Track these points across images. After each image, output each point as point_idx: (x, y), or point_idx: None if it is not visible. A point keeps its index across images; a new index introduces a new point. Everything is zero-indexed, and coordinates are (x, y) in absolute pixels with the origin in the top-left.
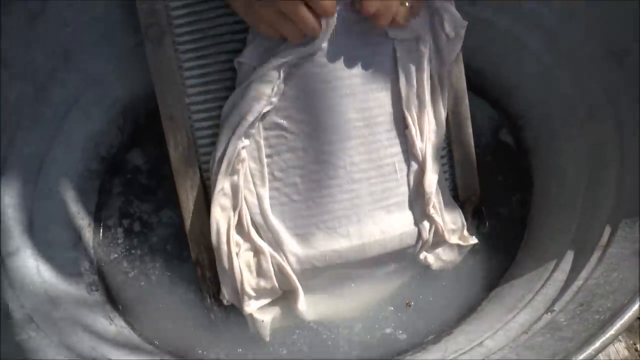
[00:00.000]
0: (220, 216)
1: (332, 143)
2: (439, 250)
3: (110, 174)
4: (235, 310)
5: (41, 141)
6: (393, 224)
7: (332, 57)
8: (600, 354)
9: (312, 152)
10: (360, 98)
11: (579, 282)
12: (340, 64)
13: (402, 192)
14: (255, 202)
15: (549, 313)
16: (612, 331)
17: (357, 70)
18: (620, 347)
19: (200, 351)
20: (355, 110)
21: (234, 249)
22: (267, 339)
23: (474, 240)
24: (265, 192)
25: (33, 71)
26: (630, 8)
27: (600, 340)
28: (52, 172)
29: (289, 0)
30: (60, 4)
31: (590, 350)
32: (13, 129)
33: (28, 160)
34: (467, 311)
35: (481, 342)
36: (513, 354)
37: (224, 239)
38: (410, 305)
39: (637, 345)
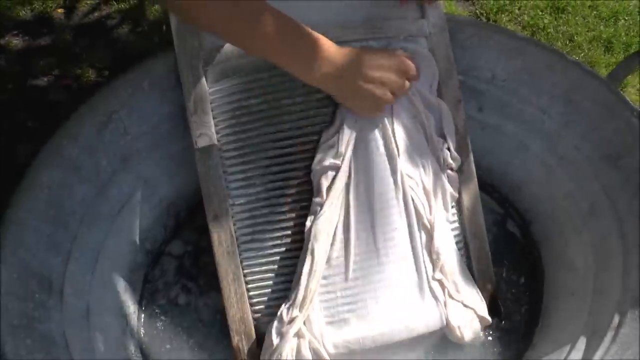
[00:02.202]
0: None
1: (363, 239)
2: (465, 325)
3: (154, 266)
4: None
5: (98, 236)
6: (418, 309)
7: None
8: None
9: (346, 247)
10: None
11: None
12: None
13: (422, 275)
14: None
15: None
16: None
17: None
18: None
19: None
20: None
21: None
22: None
23: (489, 320)
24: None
25: (96, 174)
26: (620, 116)
27: None
28: (105, 264)
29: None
30: (123, 116)
31: None
32: (77, 225)
33: (87, 253)
34: None
35: None
36: None
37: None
38: None
39: None
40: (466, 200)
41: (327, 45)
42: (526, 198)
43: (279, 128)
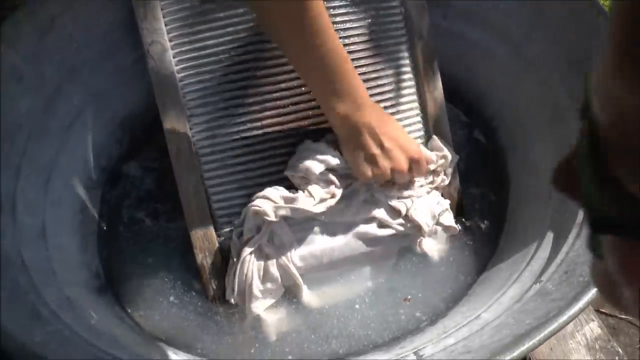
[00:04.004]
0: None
1: None
2: (430, 240)
3: (111, 184)
4: (240, 311)
5: (49, 152)
6: (386, 218)
7: None
8: (577, 333)
9: None
10: None
11: (561, 256)
12: None
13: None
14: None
15: (537, 284)
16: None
17: None
18: (594, 326)
19: (204, 352)
20: None
21: (247, 257)
22: (273, 338)
23: (457, 229)
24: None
25: (42, 85)
26: (586, 20)
27: (588, 297)
28: (58, 181)
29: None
30: (67, 21)
31: (580, 305)
32: (25, 140)
33: (38, 169)
34: (460, 295)
35: (478, 316)
36: (510, 318)
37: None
38: (408, 300)
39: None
40: (431, 108)
41: (363, 91)
42: (492, 105)
43: (235, 35)
